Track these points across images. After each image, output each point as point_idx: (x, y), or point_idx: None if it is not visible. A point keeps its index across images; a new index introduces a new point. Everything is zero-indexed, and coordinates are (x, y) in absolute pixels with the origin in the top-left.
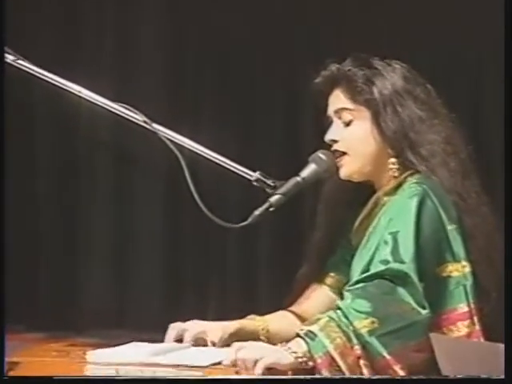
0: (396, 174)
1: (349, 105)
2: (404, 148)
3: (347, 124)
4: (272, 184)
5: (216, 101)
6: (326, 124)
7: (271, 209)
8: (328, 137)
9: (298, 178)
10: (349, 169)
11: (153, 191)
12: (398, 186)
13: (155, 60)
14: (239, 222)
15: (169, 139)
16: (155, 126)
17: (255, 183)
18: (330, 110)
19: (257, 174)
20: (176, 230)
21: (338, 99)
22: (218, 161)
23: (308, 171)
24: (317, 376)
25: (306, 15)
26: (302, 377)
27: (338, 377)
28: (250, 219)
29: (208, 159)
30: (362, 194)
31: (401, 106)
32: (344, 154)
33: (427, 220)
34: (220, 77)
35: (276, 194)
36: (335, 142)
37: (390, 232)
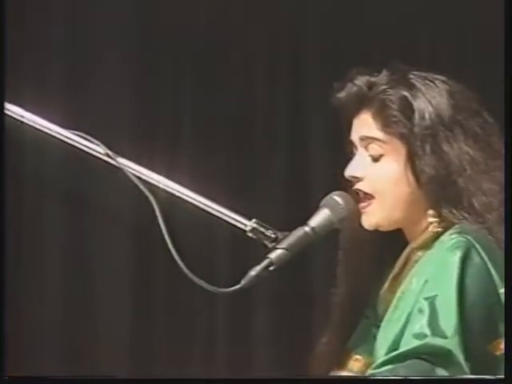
0: (435, 230)
1: (380, 135)
2: (447, 199)
3: (376, 159)
4: (272, 235)
5: (199, 126)
6: (345, 153)
7: (271, 268)
8: (349, 172)
9: (307, 228)
10: (375, 216)
11: (118, 244)
12: (436, 236)
13: (121, 75)
14: (230, 286)
15: (138, 177)
16: (120, 160)
17: (250, 234)
18: (355, 136)
19: (252, 223)
20: (147, 293)
21: (365, 125)
22: (201, 205)
23: (319, 219)
24: (317, 376)
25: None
26: (302, 377)
27: (338, 377)
28: (243, 282)
29: (189, 202)
30: (391, 244)
31: (447, 142)
32: (369, 196)
33: (474, 281)
34: (204, 95)
35: (277, 248)
36: (358, 179)
37: (426, 297)
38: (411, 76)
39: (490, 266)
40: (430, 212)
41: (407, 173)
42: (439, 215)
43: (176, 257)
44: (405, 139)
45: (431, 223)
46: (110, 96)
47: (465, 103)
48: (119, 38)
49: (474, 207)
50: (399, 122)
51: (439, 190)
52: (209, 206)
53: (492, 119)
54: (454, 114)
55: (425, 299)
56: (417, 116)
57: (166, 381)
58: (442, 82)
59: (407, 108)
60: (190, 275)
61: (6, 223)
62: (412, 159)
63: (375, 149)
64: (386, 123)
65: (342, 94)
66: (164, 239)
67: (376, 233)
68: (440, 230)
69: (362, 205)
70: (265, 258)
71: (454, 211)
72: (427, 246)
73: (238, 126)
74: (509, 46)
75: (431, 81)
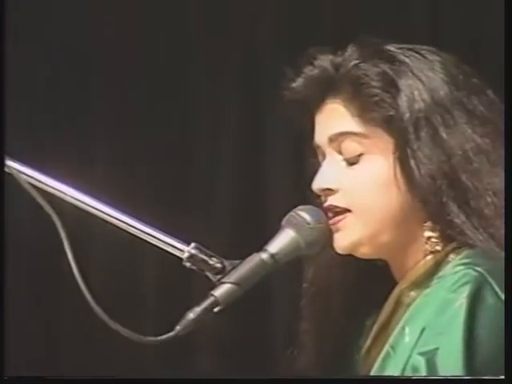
0: (434, 249)
1: (356, 127)
2: (449, 204)
3: (352, 162)
4: (218, 265)
5: (126, 136)
6: (310, 161)
7: (216, 309)
8: (318, 184)
9: (264, 256)
10: (351, 236)
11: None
12: (435, 268)
13: None
14: (162, 333)
15: (36, 187)
16: (11, 164)
17: (188, 264)
18: (321, 138)
19: (191, 249)
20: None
21: (335, 118)
22: (126, 226)
23: (281, 243)
24: (316, 376)
25: None
26: (302, 377)
27: (338, 377)
28: (179, 328)
29: (109, 223)
30: (378, 278)
31: (446, 127)
32: (344, 211)
33: (487, 330)
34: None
35: (224, 282)
36: (331, 192)
37: (423, 352)
38: (390, 48)
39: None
40: (428, 224)
41: (396, 173)
42: (439, 229)
43: (88, 296)
44: (392, 127)
45: (429, 240)
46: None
47: (463, 78)
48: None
49: (483, 212)
50: (382, 102)
51: (440, 193)
52: (135, 228)
53: (497, 97)
54: (452, 91)
55: (421, 354)
56: (404, 96)
57: (166, 381)
58: (432, 52)
59: (390, 85)
60: (108, 321)
61: None
62: (403, 154)
63: (351, 147)
64: (364, 106)
65: (298, 82)
66: (72, 270)
67: (358, 262)
68: (438, 249)
69: (334, 220)
70: (208, 295)
71: (457, 221)
72: (423, 283)
73: (172, 131)
74: (509, 46)
75: (417, 52)
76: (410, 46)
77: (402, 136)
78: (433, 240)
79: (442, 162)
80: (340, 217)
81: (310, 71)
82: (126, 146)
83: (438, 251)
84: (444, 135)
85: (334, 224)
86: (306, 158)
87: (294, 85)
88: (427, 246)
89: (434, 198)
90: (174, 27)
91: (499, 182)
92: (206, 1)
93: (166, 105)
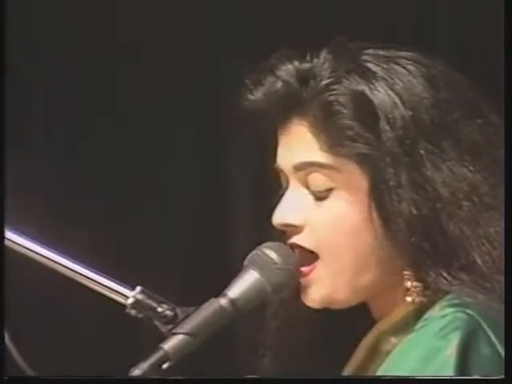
0: (417, 299)
1: (326, 159)
2: (434, 254)
3: (321, 197)
4: (168, 313)
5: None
6: (275, 189)
7: (166, 364)
8: (279, 218)
9: (223, 302)
10: (322, 290)
11: None
12: (420, 310)
13: None
14: None
15: None
16: None
17: (133, 311)
18: (284, 163)
19: (136, 293)
20: None
21: (301, 143)
22: (58, 266)
23: (243, 286)
24: (317, 376)
25: None
26: (302, 377)
27: (337, 377)
28: None
29: (41, 264)
30: (352, 319)
31: (432, 163)
32: (311, 256)
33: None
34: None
35: (176, 333)
36: (294, 228)
37: None
38: (365, 58)
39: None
40: (408, 273)
41: (372, 216)
42: (421, 279)
43: (15, 354)
44: (367, 162)
45: (409, 291)
46: None
47: (454, 95)
48: None
49: (477, 265)
50: (356, 136)
51: (421, 242)
52: (72, 270)
53: (495, 116)
54: (440, 115)
55: None
56: (382, 125)
57: (166, 381)
58: (413, 62)
59: (368, 112)
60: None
61: None
62: (379, 193)
63: (320, 181)
64: (334, 140)
65: (257, 95)
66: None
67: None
68: (423, 300)
69: (303, 270)
70: (156, 348)
71: (445, 274)
72: (405, 327)
73: (119, 162)
74: (509, 46)
75: (397, 63)
76: (388, 54)
77: (378, 174)
78: (413, 290)
79: (425, 205)
80: (309, 267)
81: (271, 83)
82: (64, 181)
83: (419, 299)
84: (429, 173)
85: (302, 275)
86: (272, 185)
87: (252, 97)
88: (407, 298)
89: (414, 248)
90: (129, 31)
91: (498, 228)
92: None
93: (109, 129)
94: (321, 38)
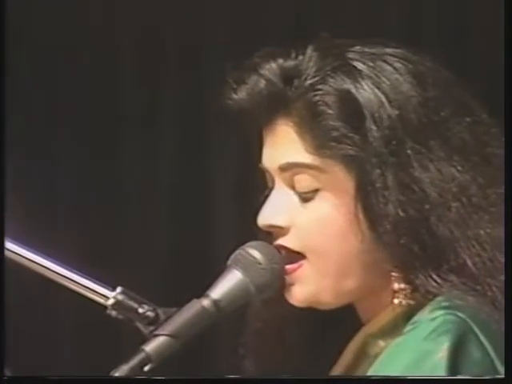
0: (405, 301)
1: (312, 160)
2: (422, 257)
3: (306, 198)
4: (150, 314)
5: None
6: (259, 189)
7: (147, 367)
8: (265, 219)
9: (205, 302)
10: (308, 289)
11: None
12: (409, 312)
13: None
14: None
15: None
16: None
17: (114, 313)
18: (269, 163)
19: (117, 294)
20: None
21: (287, 143)
22: (36, 266)
23: (226, 287)
24: (317, 376)
25: None
26: (302, 377)
27: (337, 377)
28: None
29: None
30: (339, 321)
31: (419, 163)
32: (297, 256)
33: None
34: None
35: (158, 334)
36: (280, 230)
37: None
38: (351, 55)
39: (496, 362)
40: (395, 275)
41: (358, 217)
42: (410, 281)
43: None
44: (353, 164)
45: (397, 293)
46: None
47: (442, 93)
48: None
49: (467, 267)
50: (342, 137)
51: (409, 244)
52: (52, 271)
53: (486, 115)
54: (428, 114)
55: None
56: (368, 125)
57: (166, 381)
58: (400, 59)
59: (353, 112)
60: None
61: None
62: (365, 195)
63: (306, 182)
64: (319, 141)
65: (241, 94)
66: None
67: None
68: (411, 302)
69: (289, 268)
70: (138, 350)
71: (434, 276)
72: (393, 330)
73: (104, 163)
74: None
75: (383, 60)
76: (374, 51)
77: (364, 175)
78: (401, 293)
79: (412, 207)
80: (294, 265)
81: (254, 82)
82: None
83: (406, 301)
84: (417, 174)
85: (288, 273)
86: (257, 185)
87: (236, 96)
88: (395, 300)
89: (401, 250)
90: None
91: (488, 229)
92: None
93: (97, 139)
94: (306, 35)
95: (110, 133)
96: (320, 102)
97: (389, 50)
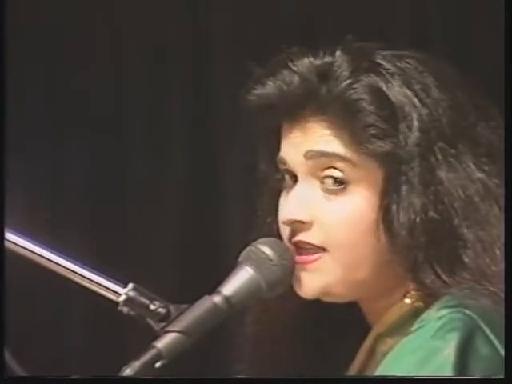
0: (416, 302)
1: (343, 150)
2: (439, 259)
3: (331, 192)
4: (161, 310)
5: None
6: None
7: (159, 363)
8: (289, 214)
9: (217, 299)
10: (324, 279)
11: None
12: (416, 311)
13: None
14: None
15: None
16: None
17: (125, 309)
18: (291, 154)
19: (128, 290)
20: None
21: (316, 135)
22: (47, 262)
23: (237, 283)
24: (317, 376)
25: None
26: (302, 377)
27: (337, 377)
28: None
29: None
30: (351, 319)
31: (447, 164)
32: (317, 249)
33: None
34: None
35: (169, 331)
36: (302, 224)
37: None
38: (379, 58)
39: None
40: (406, 276)
41: (382, 216)
42: (420, 281)
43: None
44: (385, 162)
45: (407, 293)
46: None
47: (467, 98)
48: None
49: (483, 271)
50: (380, 133)
51: (427, 245)
52: (64, 267)
53: (501, 119)
54: (456, 118)
55: None
56: (402, 124)
57: (166, 381)
58: (426, 63)
59: (389, 111)
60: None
61: None
62: (392, 193)
63: (334, 174)
64: (358, 137)
65: (269, 89)
66: None
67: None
68: (421, 303)
69: (304, 259)
70: (149, 346)
71: (444, 277)
72: (401, 328)
73: (112, 162)
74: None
75: (411, 64)
76: (400, 54)
77: (395, 174)
78: (411, 293)
79: (433, 208)
80: (314, 256)
81: (286, 77)
82: (58, 179)
83: (417, 301)
84: (442, 175)
85: (303, 263)
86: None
87: (262, 90)
88: (406, 300)
89: (413, 251)
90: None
91: (499, 229)
92: None
93: (106, 135)
94: (328, 37)
95: (120, 128)
96: (359, 100)
97: (414, 54)
